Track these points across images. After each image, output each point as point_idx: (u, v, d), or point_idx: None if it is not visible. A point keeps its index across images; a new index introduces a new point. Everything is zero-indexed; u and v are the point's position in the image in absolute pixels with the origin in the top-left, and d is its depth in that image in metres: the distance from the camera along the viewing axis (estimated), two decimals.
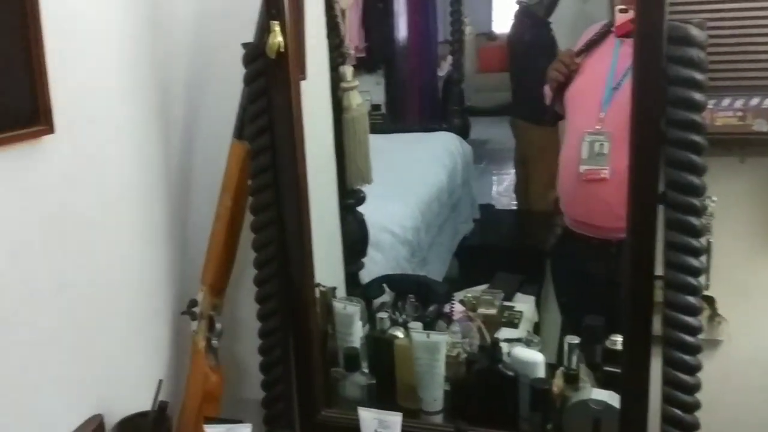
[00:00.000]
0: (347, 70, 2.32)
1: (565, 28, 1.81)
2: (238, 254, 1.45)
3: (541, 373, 1.50)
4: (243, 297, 1.47)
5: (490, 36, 4.32)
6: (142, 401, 1.34)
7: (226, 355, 1.51)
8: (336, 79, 2.32)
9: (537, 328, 2.33)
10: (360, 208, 2.62)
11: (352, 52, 2.35)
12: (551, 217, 1.80)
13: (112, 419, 1.32)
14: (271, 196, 1.34)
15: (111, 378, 1.33)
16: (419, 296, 2.28)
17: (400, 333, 1.68)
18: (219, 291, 1.44)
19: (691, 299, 1.17)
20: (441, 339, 1.54)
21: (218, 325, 1.43)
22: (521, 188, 3.04)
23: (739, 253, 1.27)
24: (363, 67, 5.52)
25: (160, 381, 1.32)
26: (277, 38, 1.24)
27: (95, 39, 1.24)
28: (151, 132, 1.39)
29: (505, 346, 1.61)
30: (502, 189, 3.47)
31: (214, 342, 1.43)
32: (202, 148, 1.50)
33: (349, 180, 2.38)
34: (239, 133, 1.39)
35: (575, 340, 1.53)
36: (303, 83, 1.98)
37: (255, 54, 1.29)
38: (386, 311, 1.79)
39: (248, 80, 1.31)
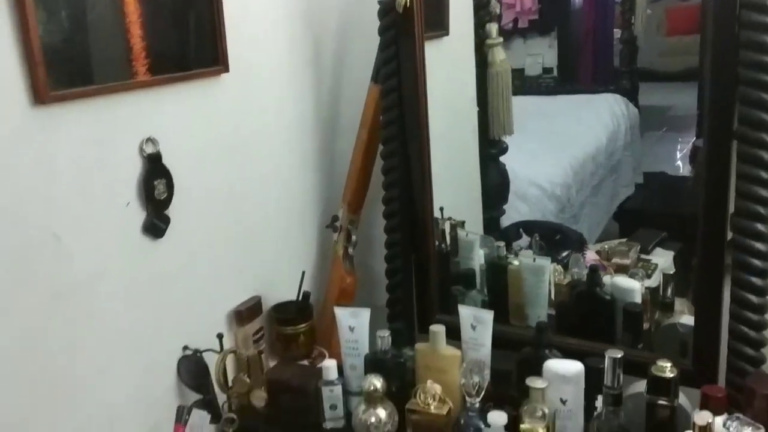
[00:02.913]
0: (492, 27, 2.51)
1: None
2: (374, 180, 1.74)
3: (637, 299, 1.65)
4: (375, 218, 1.76)
5: None
6: (291, 292, 1.68)
7: (360, 267, 1.81)
8: (482, 36, 2.52)
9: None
10: (508, 162, 2.82)
11: (498, 10, 2.54)
12: None
13: (267, 302, 1.68)
14: (396, 129, 1.61)
15: (268, 271, 1.68)
16: (554, 242, 2.45)
17: (514, 261, 1.88)
18: (356, 209, 1.74)
19: (760, 226, 1.28)
20: (545, 263, 1.73)
21: (354, 237, 1.74)
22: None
23: None
24: (535, 29, 5.58)
25: (303, 272, 1.65)
26: None
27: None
28: (305, 76, 1.71)
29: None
30: (679, 156, 3.47)
31: (350, 250, 1.74)
32: (347, 90, 1.80)
33: (491, 131, 2.59)
34: (375, 77, 1.67)
35: (670, 271, 1.66)
36: (446, 39, 2.22)
37: (388, 9, 1.55)
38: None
39: (381, 31, 1.58)
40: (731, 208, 1.33)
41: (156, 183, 1.37)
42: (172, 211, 1.41)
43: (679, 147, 3.37)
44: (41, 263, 1.21)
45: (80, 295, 1.28)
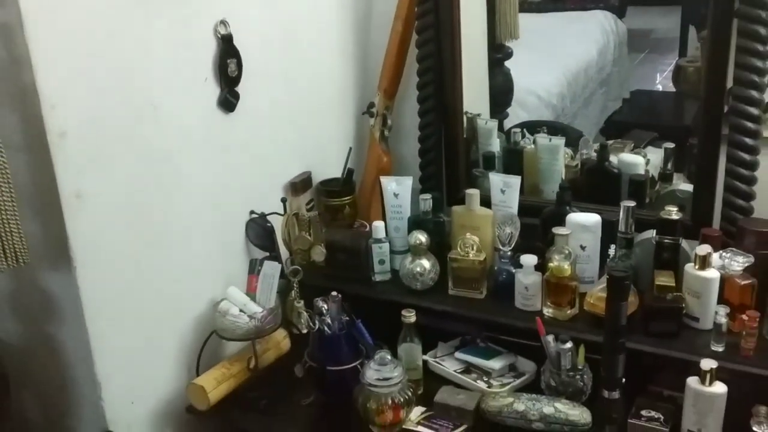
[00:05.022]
0: None
1: None
2: (406, 75, 1.92)
3: (640, 171, 1.88)
4: (408, 109, 1.95)
5: None
6: (335, 170, 1.89)
7: (394, 153, 2.00)
8: None
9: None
10: (511, 72, 2.99)
11: None
12: None
13: (316, 178, 1.88)
14: (431, 20, 1.79)
15: (316, 149, 1.88)
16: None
17: (528, 145, 2.10)
18: (391, 95, 1.93)
19: (755, 94, 1.50)
20: (560, 142, 1.95)
21: (389, 121, 1.94)
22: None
23: None
24: None
25: (350, 149, 1.86)
26: None
27: None
28: None
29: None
30: (661, 77, 3.62)
31: (386, 133, 1.94)
32: None
33: (498, 35, 2.76)
34: None
35: (671, 145, 1.89)
36: None
37: None
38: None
39: None
40: (729, 83, 1.54)
41: (229, 62, 1.55)
42: (241, 88, 1.60)
43: (660, 68, 3.53)
44: (143, 129, 1.40)
45: (172, 158, 1.48)
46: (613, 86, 4.04)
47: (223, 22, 1.53)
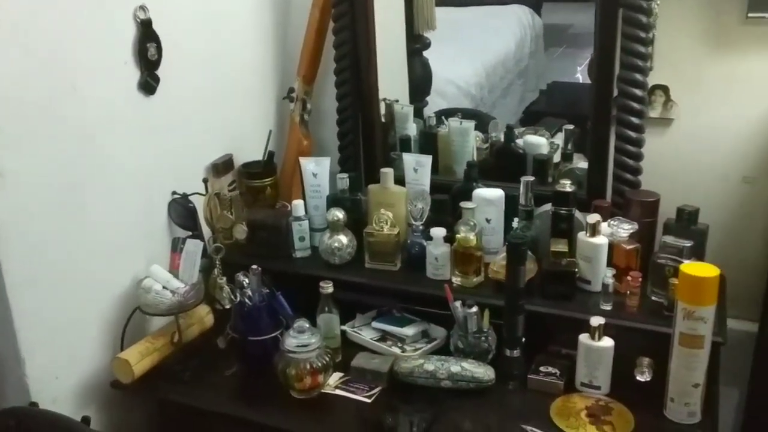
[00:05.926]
0: None
1: None
2: (324, 61, 2.01)
3: (544, 152, 2.02)
4: (326, 94, 2.04)
5: None
6: (255, 153, 1.96)
7: (314, 136, 2.09)
8: None
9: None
10: (430, 62, 3.11)
11: None
12: None
13: (237, 160, 1.95)
14: (346, 8, 1.88)
15: (238, 133, 1.95)
16: None
17: (442, 128, 2.21)
18: (310, 80, 2.01)
19: (639, 77, 1.65)
20: (470, 125, 2.07)
21: (308, 106, 2.02)
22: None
23: (687, 49, 1.70)
24: None
25: (270, 131, 1.93)
26: None
27: None
28: None
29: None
30: (579, 70, 3.78)
31: (306, 117, 2.02)
32: None
33: (416, 26, 2.87)
34: None
35: (571, 126, 2.04)
36: None
37: None
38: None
39: None
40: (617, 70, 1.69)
41: (148, 45, 1.60)
42: (161, 72, 1.65)
43: (579, 61, 3.72)
44: (64, 110, 1.44)
45: (94, 139, 1.52)
46: (531, 78, 4.22)
47: (143, 8, 1.58)
